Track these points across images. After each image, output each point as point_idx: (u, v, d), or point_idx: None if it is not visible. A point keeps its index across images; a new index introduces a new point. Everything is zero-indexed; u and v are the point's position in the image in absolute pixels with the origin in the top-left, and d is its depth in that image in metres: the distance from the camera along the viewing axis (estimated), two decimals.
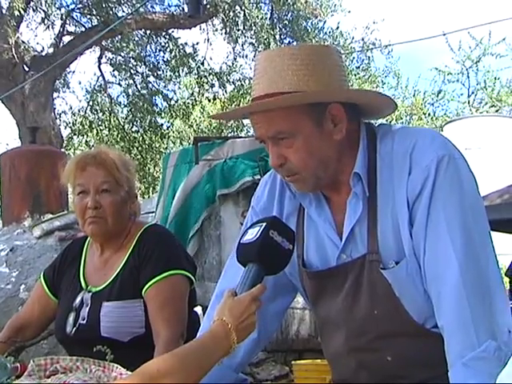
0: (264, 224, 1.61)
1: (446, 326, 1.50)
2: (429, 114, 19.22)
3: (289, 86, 1.58)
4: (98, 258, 2.40)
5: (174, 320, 2.19)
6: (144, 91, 14.89)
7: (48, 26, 12.76)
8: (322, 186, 1.68)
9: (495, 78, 18.31)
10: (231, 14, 13.80)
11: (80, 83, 18.07)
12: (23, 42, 12.38)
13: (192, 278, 2.33)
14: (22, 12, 11.79)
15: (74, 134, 16.03)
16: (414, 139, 1.61)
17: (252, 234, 1.61)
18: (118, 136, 15.78)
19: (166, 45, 14.56)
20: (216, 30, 14.40)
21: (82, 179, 2.32)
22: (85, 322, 2.27)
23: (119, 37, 13.34)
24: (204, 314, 2.00)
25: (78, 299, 2.33)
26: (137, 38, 14.19)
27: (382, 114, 1.78)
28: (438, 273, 1.52)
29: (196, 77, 15.21)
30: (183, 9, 13.67)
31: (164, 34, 14.33)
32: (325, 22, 15.12)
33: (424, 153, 1.58)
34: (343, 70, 1.69)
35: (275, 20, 14.49)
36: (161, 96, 15.11)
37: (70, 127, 15.76)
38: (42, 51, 13.06)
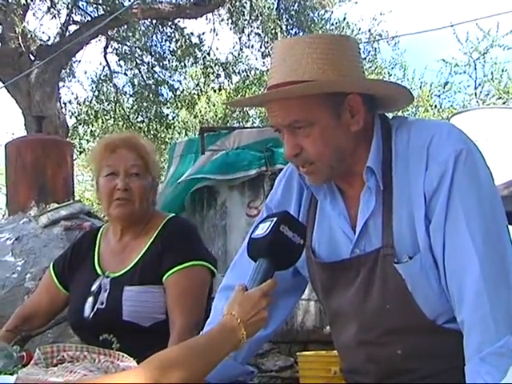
0: (275, 219, 1.60)
1: (466, 321, 1.48)
2: (435, 106, 19.11)
3: (308, 75, 1.55)
4: (116, 244, 2.39)
5: (191, 310, 2.19)
6: (150, 81, 14.84)
7: (54, 15, 12.71)
8: (335, 176, 1.66)
9: (502, 70, 18.18)
10: (237, 3, 13.74)
11: (86, 73, 18.05)
12: (29, 31, 12.34)
13: (214, 269, 2.32)
14: (29, 1, 11.76)
15: (80, 124, 15.98)
16: (431, 133, 1.59)
17: (263, 229, 1.60)
18: (123, 126, 15.73)
19: (172, 35, 14.49)
20: (222, 20, 14.33)
21: (112, 161, 2.31)
22: (103, 306, 2.26)
23: (125, 26, 13.30)
24: None
25: (96, 284, 2.31)
26: (143, 28, 14.14)
27: (398, 107, 1.76)
28: (458, 268, 1.50)
29: (202, 67, 15.15)
30: None
31: (170, 23, 14.26)
32: (332, 13, 15.06)
33: (441, 147, 1.56)
34: (361, 61, 1.68)
35: (282, 10, 14.42)
36: (166, 86, 15.04)
37: (76, 117, 15.72)
38: (48, 40, 13.04)
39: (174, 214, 2.53)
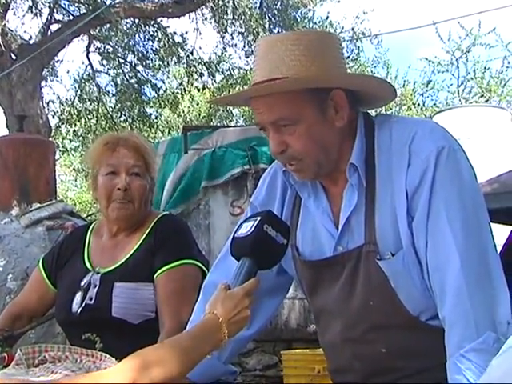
0: (258, 218, 1.60)
1: (447, 317, 1.49)
2: (418, 105, 19.20)
3: (291, 72, 1.55)
4: (108, 241, 2.37)
5: (180, 310, 2.16)
6: (132, 80, 14.79)
7: (35, 14, 12.61)
8: (322, 174, 1.66)
9: (485, 68, 18.31)
10: (220, 2, 13.71)
11: (68, 72, 17.91)
12: (10, 29, 12.25)
13: (205, 269, 2.30)
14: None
15: (62, 123, 15.90)
16: (413, 130, 1.59)
17: (246, 228, 1.60)
18: (106, 125, 15.67)
19: (155, 34, 14.45)
20: (205, 19, 14.30)
21: (113, 160, 2.29)
22: (92, 302, 2.24)
23: (108, 26, 13.24)
24: None
25: (86, 280, 2.29)
26: (125, 27, 14.08)
27: (381, 103, 1.76)
28: (440, 265, 1.51)
29: (185, 66, 15.11)
30: None
31: (153, 22, 14.22)
32: (314, 12, 15.10)
33: (423, 144, 1.56)
34: (344, 58, 1.69)
35: (264, 9, 14.41)
36: (149, 85, 15.01)
37: (58, 116, 15.64)
38: (29, 39, 12.94)
39: (166, 212, 2.52)
